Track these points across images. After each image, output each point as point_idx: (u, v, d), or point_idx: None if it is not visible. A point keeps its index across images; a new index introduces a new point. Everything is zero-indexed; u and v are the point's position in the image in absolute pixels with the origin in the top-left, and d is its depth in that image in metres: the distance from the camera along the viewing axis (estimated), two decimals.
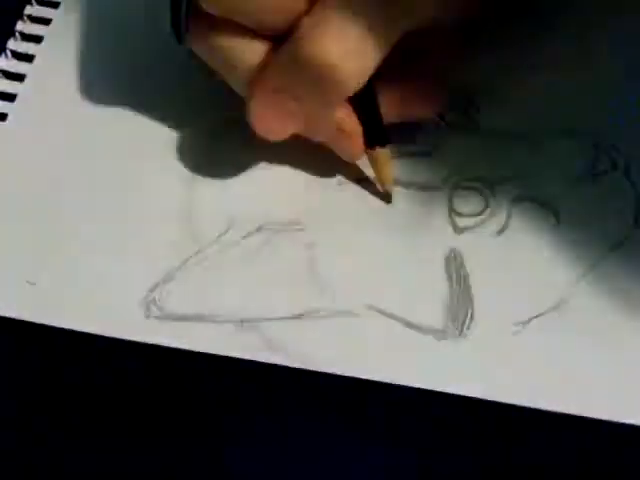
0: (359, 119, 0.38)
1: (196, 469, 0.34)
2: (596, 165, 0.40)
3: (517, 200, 0.39)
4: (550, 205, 0.39)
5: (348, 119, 0.38)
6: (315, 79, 0.35)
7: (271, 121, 0.36)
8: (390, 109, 0.38)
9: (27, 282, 0.37)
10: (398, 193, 0.39)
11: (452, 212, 0.39)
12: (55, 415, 0.35)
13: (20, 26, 0.44)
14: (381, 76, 0.37)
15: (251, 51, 0.36)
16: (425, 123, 0.40)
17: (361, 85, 0.35)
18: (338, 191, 0.39)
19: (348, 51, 0.34)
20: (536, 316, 0.36)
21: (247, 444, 0.34)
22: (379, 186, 0.39)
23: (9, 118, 0.41)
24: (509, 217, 0.39)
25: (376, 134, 0.38)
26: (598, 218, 0.38)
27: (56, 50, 0.43)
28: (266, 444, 0.34)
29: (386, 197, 0.39)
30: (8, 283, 0.37)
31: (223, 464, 0.34)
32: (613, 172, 0.39)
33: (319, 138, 0.38)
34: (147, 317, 0.36)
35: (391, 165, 0.39)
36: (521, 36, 0.42)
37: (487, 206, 0.39)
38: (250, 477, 0.34)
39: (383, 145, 0.38)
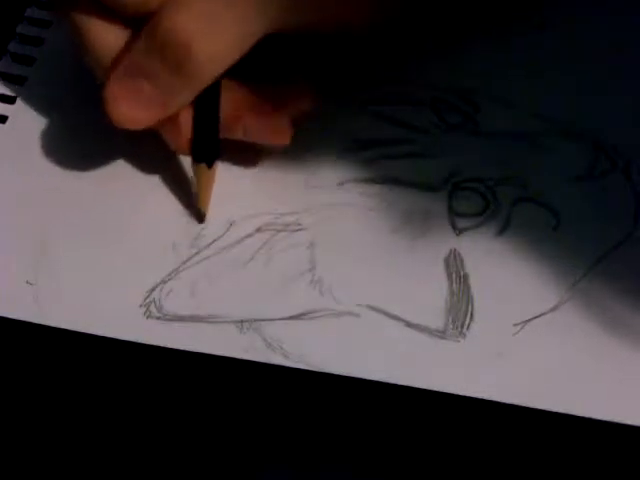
0: (194, 126, 0.37)
1: (195, 469, 0.34)
2: (596, 165, 0.40)
3: (517, 201, 0.39)
4: (550, 205, 0.39)
5: (184, 111, 0.36)
6: (168, 58, 0.33)
7: (125, 108, 0.35)
8: (229, 127, 0.37)
9: (26, 282, 0.37)
10: (398, 193, 0.39)
11: (452, 212, 0.39)
12: (55, 416, 0.35)
13: (20, 29, 0.44)
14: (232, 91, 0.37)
15: (109, 33, 0.35)
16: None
17: (216, 73, 0.34)
18: (338, 191, 0.39)
19: (204, 32, 0.33)
20: (536, 316, 0.36)
21: (248, 444, 0.34)
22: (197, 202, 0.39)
23: (9, 120, 0.41)
24: (509, 218, 0.38)
25: (206, 149, 0.37)
26: (598, 218, 0.38)
27: (56, 53, 0.43)
28: (267, 444, 0.34)
29: (199, 217, 0.38)
30: (7, 283, 0.37)
31: (223, 464, 0.34)
32: (613, 172, 0.39)
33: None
34: (147, 318, 0.36)
35: (211, 187, 0.38)
36: (520, 36, 0.43)
37: (487, 206, 0.39)
38: (250, 476, 0.34)
39: (209, 165, 0.38)
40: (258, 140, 0.39)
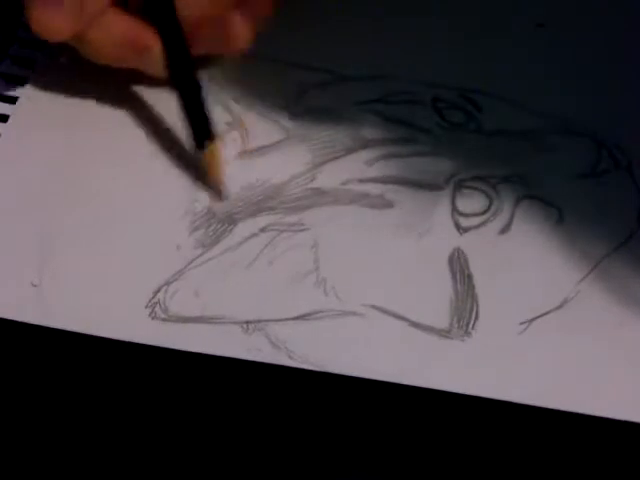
0: (186, 112, 0.39)
1: (201, 471, 0.34)
2: (599, 164, 0.40)
3: (520, 199, 0.39)
4: (553, 204, 0.39)
5: (140, 31, 0.38)
6: None
7: (43, 15, 0.36)
8: (196, 45, 0.38)
9: (31, 284, 0.37)
10: (401, 193, 0.39)
11: (455, 212, 0.39)
12: (60, 417, 0.35)
13: (21, 33, 0.44)
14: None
15: None
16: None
17: None
18: (341, 191, 0.39)
19: None
20: (540, 315, 0.36)
21: (254, 445, 0.34)
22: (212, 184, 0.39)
23: (10, 120, 0.42)
24: (512, 216, 0.39)
25: (204, 128, 0.39)
26: (601, 216, 0.38)
27: (57, 56, 0.43)
28: (272, 444, 0.34)
29: (219, 195, 0.39)
30: (11, 285, 0.37)
31: (229, 465, 0.34)
32: (616, 171, 0.40)
33: (108, 55, 0.39)
34: (152, 319, 0.36)
35: (220, 162, 0.39)
36: (521, 35, 0.43)
37: (490, 205, 0.39)
38: (256, 477, 0.34)
39: (212, 140, 0.39)
40: (219, 50, 0.40)
